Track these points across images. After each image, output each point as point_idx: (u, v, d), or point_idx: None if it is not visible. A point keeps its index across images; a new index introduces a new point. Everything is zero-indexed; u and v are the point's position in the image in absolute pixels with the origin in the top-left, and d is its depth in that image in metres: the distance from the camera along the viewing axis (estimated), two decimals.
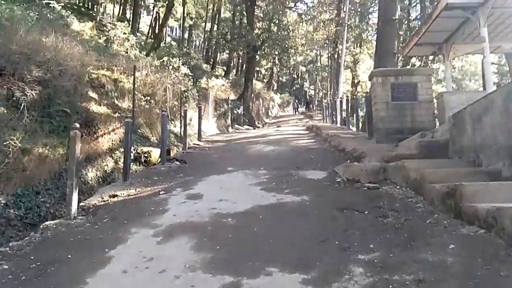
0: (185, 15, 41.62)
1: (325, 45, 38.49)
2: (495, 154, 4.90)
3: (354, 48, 40.19)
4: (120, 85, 15.11)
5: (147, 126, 13.34)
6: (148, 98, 15.62)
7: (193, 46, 52.92)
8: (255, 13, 29.40)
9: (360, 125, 14.53)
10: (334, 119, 19.32)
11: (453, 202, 4.14)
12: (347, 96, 36.35)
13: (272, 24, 28.71)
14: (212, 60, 41.77)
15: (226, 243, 4.05)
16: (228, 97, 25.88)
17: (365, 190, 5.74)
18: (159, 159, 11.93)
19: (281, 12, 28.52)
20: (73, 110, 9.94)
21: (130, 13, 32.55)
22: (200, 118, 13.45)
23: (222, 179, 7.24)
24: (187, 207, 5.47)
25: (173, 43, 43.69)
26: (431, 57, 25.69)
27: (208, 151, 11.18)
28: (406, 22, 22.68)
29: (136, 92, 15.71)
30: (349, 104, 17.16)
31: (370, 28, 35.62)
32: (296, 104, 52.26)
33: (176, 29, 52.06)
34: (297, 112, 47.17)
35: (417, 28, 10.99)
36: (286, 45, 27.94)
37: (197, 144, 12.30)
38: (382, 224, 4.19)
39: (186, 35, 49.05)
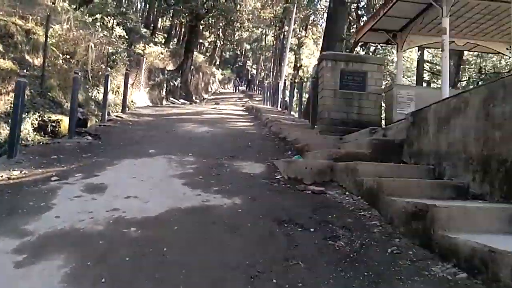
0: None
1: (272, 23, 37.39)
2: (463, 165, 4.14)
3: (299, 31, 39.69)
4: (34, 37, 12.81)
5: (60, 89, 11.33)
6: (68, 57, 13.51)
7: (134, 9, 49.11)
8: None
9: (303, 111, 13.70)
10: (275, 102, 18.45)
11: (421, 227, 3.27)
12: (290, 80, 35.79)
13: None
14: (152, 25, 38.88)
15: (118, 272, 2.82)
16: (165, 67, 23.88)
17: (309, 194, 4.76)
18: (71, 129, 10.20)
19: None
20: None
21: None
22: (126, 86, 11.71)
23: (139, 165, 5.90)
24: (80, 204, 4.11)
25: (111, 1, 40.09)
26: (372, 48, 25.75)
27: (131, 125, 9.63)
28: (354, 9, 22.15)
29: (53, 49, 13.54)
30: (293, 88, 16.26)
31: (318, 12, 35.19)
32: (237, 82, 51.15)
33: None
34: (237, 91, 46.04)
35: (374, 11, 10.24)
36: (232, 18, 26.33)
37: (120, 117, 10.63)
38: (333, 251, 3.21)
39: None
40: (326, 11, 17.21)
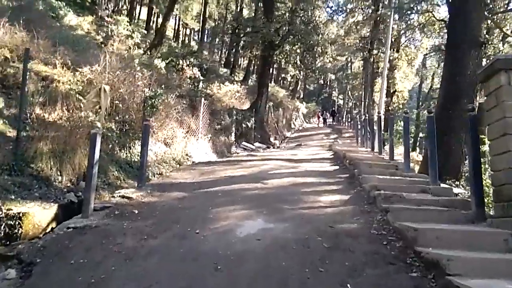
0: (206, 16, 36.53)
1: (360, 45, 32.29)
2: None
3: (391, 53, 34.08)
4: (52, 85, 9.80)
5: (55, 156, 7.72)
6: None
7: (219, 53, 48.64)
8: (280, 13, 23.80)
9: (438, 167, 7.87)
10: (376, 143, 13.17)
11: None
12: (388, 109, 29.89)
13: (294, 16, 22.82)
14: (232, 64, 36.77)
15: None
16: (233, 107, 20.20)
17: None
18: (50, 225, 6.42)
19: (304, 3, 22.51)
20: None
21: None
22: (145, 147, 7.60)
23: None
24: None
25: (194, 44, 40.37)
26: None
27: (130, 222, 5.34)
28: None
29: (80, 97, 10.40)
30: (406, 123, 10.76)
31: (412, 26, 29.41)
32: (325, 115, 46.36)
33: (205, 33, 47.97)
34: (325, 124, 41.29)
35: None
36: (311, 42, 21.92)
37: (128, 197, 6.46)
38: None
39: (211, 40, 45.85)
40: (447, 7, 11.69)
